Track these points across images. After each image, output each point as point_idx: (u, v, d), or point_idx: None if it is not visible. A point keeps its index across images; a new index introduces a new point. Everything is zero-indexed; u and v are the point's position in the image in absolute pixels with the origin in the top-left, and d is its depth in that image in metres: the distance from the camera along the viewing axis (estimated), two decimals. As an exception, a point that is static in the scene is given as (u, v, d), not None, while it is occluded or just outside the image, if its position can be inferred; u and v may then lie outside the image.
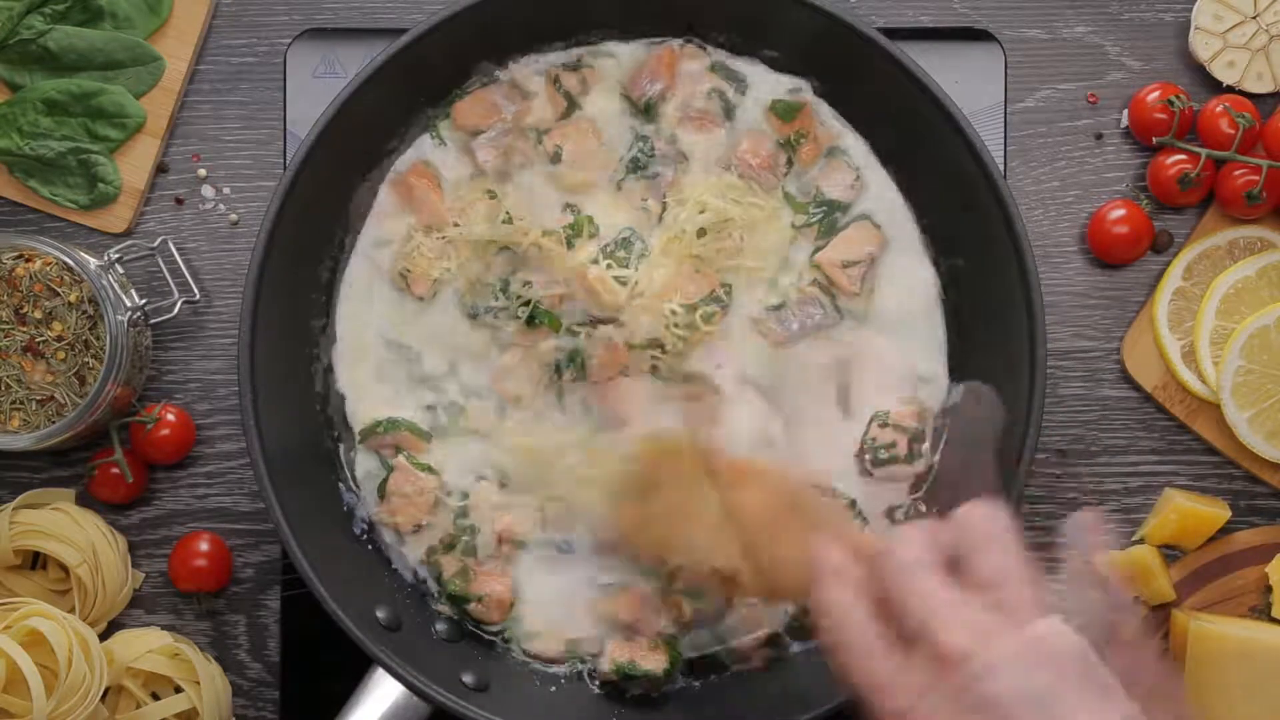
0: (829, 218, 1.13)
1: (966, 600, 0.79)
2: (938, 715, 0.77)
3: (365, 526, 1.13)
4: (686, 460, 0.98)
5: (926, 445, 1.12)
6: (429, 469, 1.12)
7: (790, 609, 1.12)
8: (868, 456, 1.12)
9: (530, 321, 1.11)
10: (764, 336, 1.13)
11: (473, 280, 1.13)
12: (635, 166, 1.13)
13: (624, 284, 1.11)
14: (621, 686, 1.12)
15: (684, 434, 1.02)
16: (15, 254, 1.12)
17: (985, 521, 0.82)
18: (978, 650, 0.76)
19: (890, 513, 1.13)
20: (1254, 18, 1.18)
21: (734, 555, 0.93)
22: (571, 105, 1.14)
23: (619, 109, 1.14)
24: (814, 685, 1.08)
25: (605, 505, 1.04)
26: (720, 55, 1.14)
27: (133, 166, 1.20)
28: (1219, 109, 1.17)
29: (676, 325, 1.10)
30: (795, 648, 1.13)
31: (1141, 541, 1.19)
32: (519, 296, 1.12)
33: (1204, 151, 1.17)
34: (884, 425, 1.12)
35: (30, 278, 1.12)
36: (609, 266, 1.11)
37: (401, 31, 1.07)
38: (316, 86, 1.18)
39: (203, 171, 1.21)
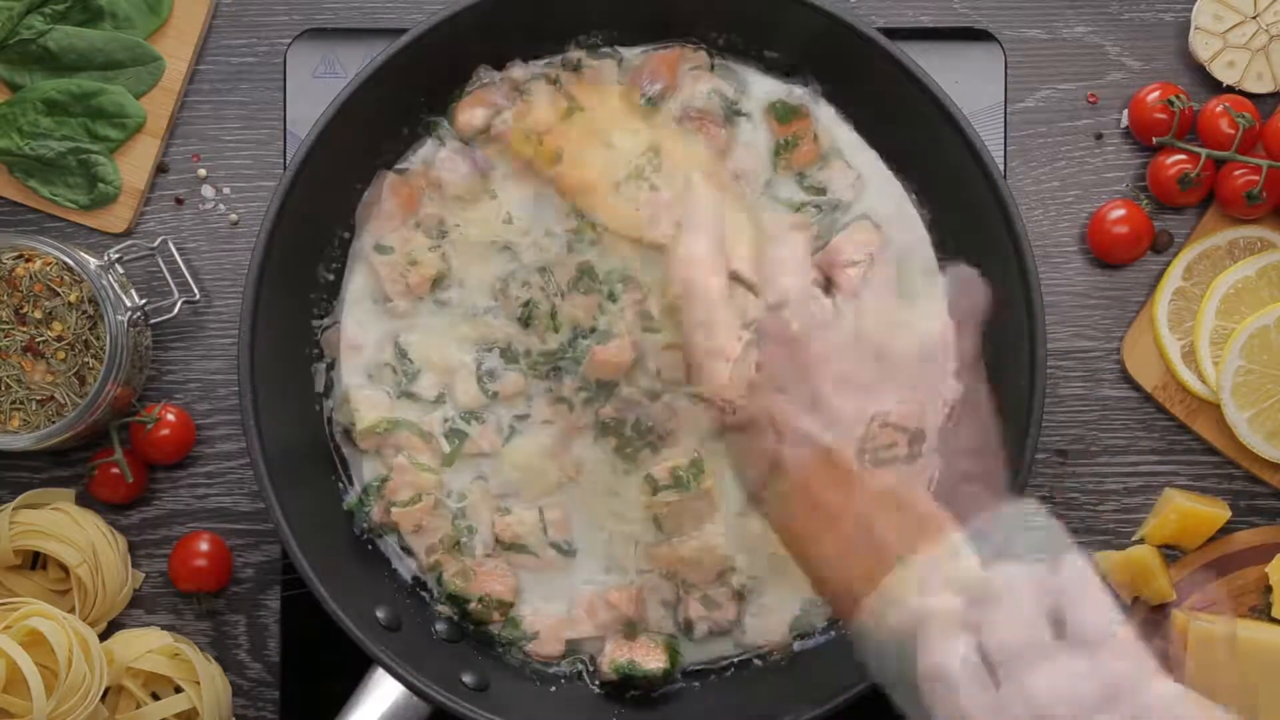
0: (828, 218, 1.13)
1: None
2: (754, 386, 0.84)
3: (365, 526, 1.13)
4: None
5: (927, 445, 1.12)
6: (429, 469, 1.12)
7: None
8: (867, 457, 1.12)
9: (527, 323, 1.12)
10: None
11: (472, 280, 1.13)
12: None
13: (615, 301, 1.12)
14: (621, 686, 1.12)
15: None
16: (15, 254, 1.12)
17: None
18: (807, 338, 0.85)
19: None
20: (1254, 18, 1.18)
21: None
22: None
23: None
24: (816, 683, 1.08)
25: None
26: (720, 55, 1.14)
27: (133, 166, 1.20)
28: (1219, 109, 1.17)
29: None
30: (798, 646, 1.13)
31: (1141, 541, 1.19)
32: (517, 298, 1.12)
33: (1204, 151, 1.17)
34: (884, 425, 1.12)
35: (30, 278, 1.12)
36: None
37: (401, 31, 1.07)
38: (316, 86, 1.18)
39: (203, 171, 1.21)
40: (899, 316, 0.88)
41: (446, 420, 1.12)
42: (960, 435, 0.88)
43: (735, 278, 0.89)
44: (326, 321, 1.14)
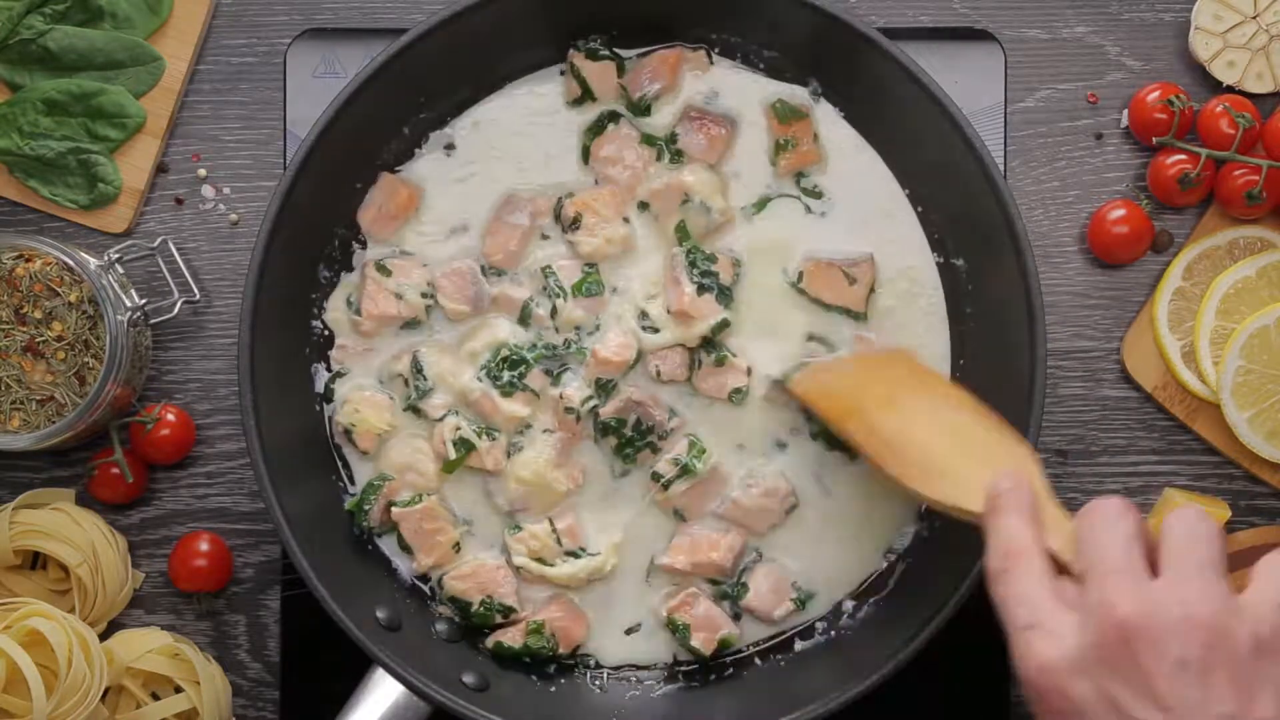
0: (828, 218, 1.13)
1: (1144, 578, 0.80)
2: (1082, 667, 0.79)
3: (365, 526, 1.13)
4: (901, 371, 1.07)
5: None
6: (430, 472, 1.12)
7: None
8: None
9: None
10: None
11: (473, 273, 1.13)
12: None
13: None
14: (621, 686, 1.12)
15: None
16: (15, 254, 1.12)
17: (1190, 529, 0.82)
18: (1140, 619, 0.78)
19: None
20: (1254, 18, 1.18)
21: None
22: (586, 94, 1.13)
23: (619, 108, 1.14)
24: (817, 682, 1.08)
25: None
26: (720, 55, 1.14)
27: (133, 166, 1.20)
28: (1219, 109, 1.17)
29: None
30: (798, 646, 1.13)
31: (1141, 541, 1.19)
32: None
33: (1204, 151, 1.17)
34: None
35: (30, 278, 1.12)
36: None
37: (401, 31, 1.08)
38: (316, 86, 1.18)
39: (203, 171, 1.21)
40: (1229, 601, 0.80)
41: (458, 429, 1.11)
42: None
43: (1052, 556, 0.85)
44: (325, 321, 1.14)
